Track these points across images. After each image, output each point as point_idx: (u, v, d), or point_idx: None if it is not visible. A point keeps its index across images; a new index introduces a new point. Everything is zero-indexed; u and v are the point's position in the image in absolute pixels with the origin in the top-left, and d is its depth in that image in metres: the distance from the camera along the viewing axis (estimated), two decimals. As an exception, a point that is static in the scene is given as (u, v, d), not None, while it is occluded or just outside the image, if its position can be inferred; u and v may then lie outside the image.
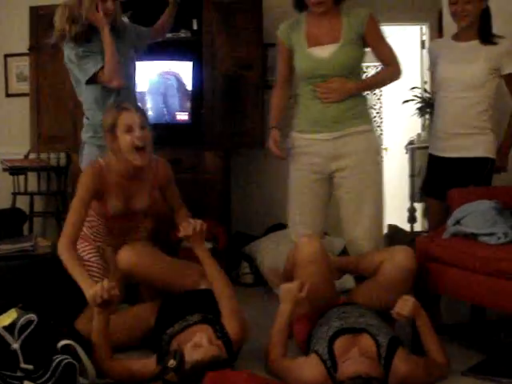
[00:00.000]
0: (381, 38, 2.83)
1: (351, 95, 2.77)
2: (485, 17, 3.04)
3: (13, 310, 2.26)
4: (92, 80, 2.97)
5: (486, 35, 3.03)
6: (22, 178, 4.74)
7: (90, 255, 2.82)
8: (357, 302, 2.52)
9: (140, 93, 4.09)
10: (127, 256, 2.59)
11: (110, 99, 3.00)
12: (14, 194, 4.66)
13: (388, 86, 3.06)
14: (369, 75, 3.62)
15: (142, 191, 2.78)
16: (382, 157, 2.99)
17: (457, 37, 3.14)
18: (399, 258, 2.49)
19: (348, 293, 2.77)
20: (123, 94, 3.03)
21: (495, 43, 3.00)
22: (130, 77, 3.15)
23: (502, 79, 3.08)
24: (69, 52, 3.02)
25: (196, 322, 2.35)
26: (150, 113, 4.26)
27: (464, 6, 3.00)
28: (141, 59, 4.23)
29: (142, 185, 2.76)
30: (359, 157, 2.77)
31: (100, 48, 2.97)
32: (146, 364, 2.26)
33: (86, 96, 3.08)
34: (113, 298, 2.26)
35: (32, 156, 4.79)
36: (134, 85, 3.26)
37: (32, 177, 4.83)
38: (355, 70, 2.81)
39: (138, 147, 2.59)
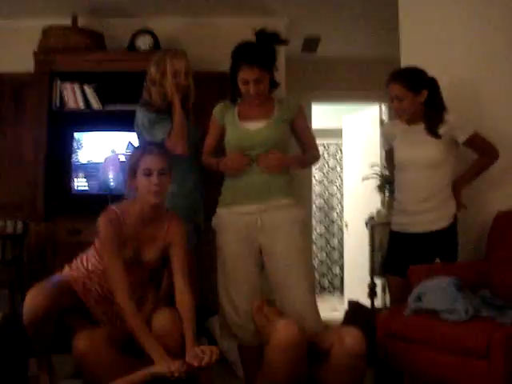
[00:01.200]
0: (306, 126, 3.06)
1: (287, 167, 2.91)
2: (429, 104, 3.09)
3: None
4: None
5: (430, 128, 3.08)
6: (-25, 245, 4.60)
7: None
8: None
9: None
10: None
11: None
12: (-33, 263, 4.52)
13: (314, 165, 3.20)
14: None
15: (152, 243, 2.69)
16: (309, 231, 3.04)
17: (407, 121, 3.19)
18: (348, 343, 2.39)
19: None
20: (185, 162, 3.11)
21: (440, 136, 3.05)
22: (191, 146, 3.19)
23: (459, 147, 3.15)
24: (142, 116, 3.16)
25: None
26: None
27: (399, 104, 3.09)
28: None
29: (153, 236, 2.68)
30: (286, 230, 2.80)
31: (170, 116, 3.12)
32: None
33: None
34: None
35: (-13, 223, 4.68)
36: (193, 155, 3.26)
37: (-14, 245, 4.70)
38: (281, 146, 2.90)
39: (152, 192, 2.58)
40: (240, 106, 2.94)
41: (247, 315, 2.78)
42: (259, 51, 2.80)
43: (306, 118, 3.02)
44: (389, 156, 3.42)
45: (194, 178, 3.23)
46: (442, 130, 3.06)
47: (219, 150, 3.02)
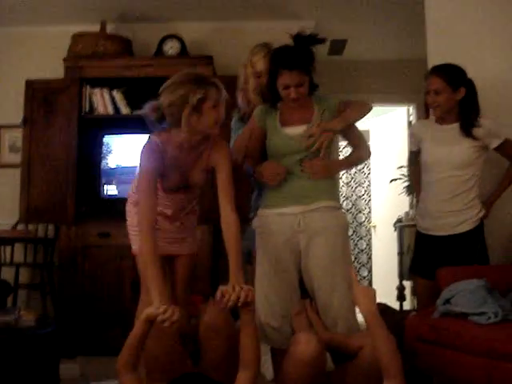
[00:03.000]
0: (351, 124, 2.91)
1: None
2: (465, 105, 3.09)
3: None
4: None
5: (465, 128, 3.08)
6: (8, 248, 4.69)
7: None
8: None
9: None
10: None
11: None
12: (0, 265, 4.60)
13: (366, 164, 3.10)
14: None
15: (198, 166, 2.72)
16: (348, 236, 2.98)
17: (440, 120, 3.20)
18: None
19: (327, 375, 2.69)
20: None
21: (475, 137, 3.05)
22: None
23: (488, 153, 3.14)
24: (234, 119, 3.18)
25: None
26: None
27: (435, 98, 3.09)
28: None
29: (198, 159, 2.71)
30: (329, 233, 2.76)
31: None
32: None
33: None
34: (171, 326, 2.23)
35: (20, 227, 4.77)
36: None
37: (19, 248, 4.79)
38: (326, 148, 2.85)
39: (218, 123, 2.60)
40: (280, 110, 2.89)
41: (283, 318, 2.78)
42: (298, 55, 2.74)
43: (349, 109, 2.86)
44: (414, 157, 3.41)
45: None
46: (476, 133, 3.06)
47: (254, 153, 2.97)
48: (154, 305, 2.26)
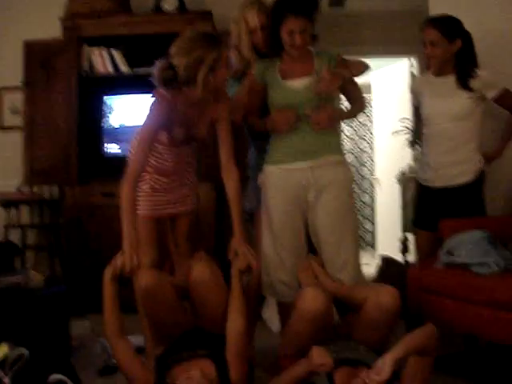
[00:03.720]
0: (349, 77, 2.89)
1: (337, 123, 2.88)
2: (462, 57, 3.09)
3: (4, 344, 2.24)
4: None
5: (461, 79, 3.09)
6: (14, 210, 4.73)
7: (143, 182, 2.81)
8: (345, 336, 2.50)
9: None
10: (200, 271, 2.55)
11: None
12: (6, 227, 4.65)
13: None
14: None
15: (202, 118, 2.79)
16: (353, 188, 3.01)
17: (437, 72, 3.20)
18: (383, 300, 2.40)
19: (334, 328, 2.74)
20: None
21: (471, 89, 3.06)
22: None
23: (486, 104, 3.15)
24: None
25: (201, 356, 2.33)
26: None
27: (431, 49, 3.08)
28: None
29: (202, 113, 2.78)
30: (336, 187, 2.79)
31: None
32: (146, 374, 2.28)
33: None
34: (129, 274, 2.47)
35: (25, 189, 4.79)
36: None
37: (24, 210, 4.83)
38: (328, 99, 2.84)
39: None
40: (281, 63, 2.86)
41: (293, 272, 2.81)
42: (304, 0, 2.72)
43: (348, 67, 2.88)
44: (418, 113, 3.41)
45: None
46: (473, 84, 3.06)
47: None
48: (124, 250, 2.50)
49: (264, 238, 2.87)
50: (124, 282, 2.56)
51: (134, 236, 2.54)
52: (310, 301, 2.43)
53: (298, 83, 2.79)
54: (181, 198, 2.90)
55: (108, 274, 2.47)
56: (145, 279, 2.44)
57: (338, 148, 2.87)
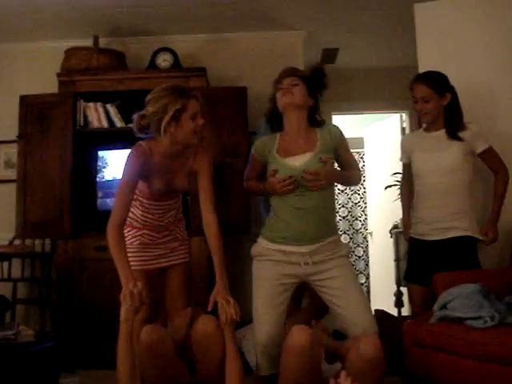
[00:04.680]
0: (348, 150, 2.97)
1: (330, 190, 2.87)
2: (450, 110, 3.16)
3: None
4: None
5: (451, 132, 3.15)
6: (5, 264, 4.69)
7: (133, 239, 2.87)
8: None
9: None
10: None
11: None
12: (-3, 281, 4.61)
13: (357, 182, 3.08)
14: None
15: (182, 171, 2.85)
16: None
17: (428, 128, 3.28)
18: (363, 349, 2.38)
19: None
20: None
21: (461, 139, 3.12)
22: None
23: (477, 159, 3.21)
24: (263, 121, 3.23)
25: None
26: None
27: (424, 105, 3.16)
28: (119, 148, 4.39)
29: (182, 166, 2.84)
30: (336, 260, 2.77)
31: None
32: None
33: None
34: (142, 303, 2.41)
35: (17, 242, 4.77)
36: None
37: (16, 263, 4.79)
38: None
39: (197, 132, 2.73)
40: (282, 140, 2.86)
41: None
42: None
43: (347, 143, 2.96)
44: (406, 170, 3.46)
45: None
46: (463, 134, 3.12)
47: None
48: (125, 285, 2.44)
49: (254, 308, 2.84)
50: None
51: (130, 271, 2.51)
52: (296, 335, 2.43)
53: (299, 160, 2.78)
54: (172, 252, 2.93)
55: (123, 313, 2.42)
56: (148, 335, 2.45)
57: (334, 229, 2.88)
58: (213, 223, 2.78)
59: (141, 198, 2.82)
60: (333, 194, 2.96)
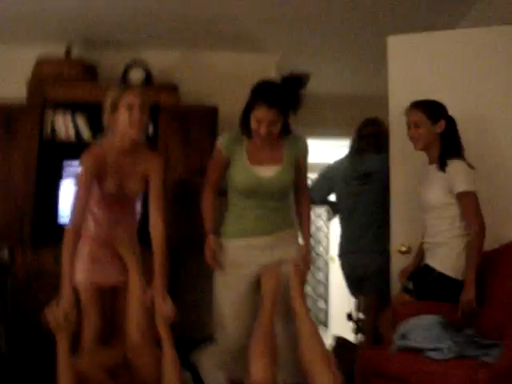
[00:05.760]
0: (305, 167, 3.01)
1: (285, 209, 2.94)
2: (445, 139, 3.09)
3: None
4: None
5: (442, 162, 3.05)
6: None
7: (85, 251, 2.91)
8: None
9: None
10: None
11: None
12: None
13: None
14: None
15: (134, 175, 2.90)
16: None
17: (429, 160, 3.19)
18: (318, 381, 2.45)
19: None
20: None
21: (445, 171, 3.01)
22: None
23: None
24: None
25: None
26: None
27: (415, 130, 3.12)
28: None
29: (134, 169, 2.90)
30: (291, 254, 2.86)
31: None
32: None
33: None
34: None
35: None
36: None
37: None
38: (289, 190, 2.95)
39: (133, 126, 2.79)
40: (249, 144, 2.86)
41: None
42: (282, 94, 2.71)
43: (307, 160, 3.02)
44: None
45: None
46: (448, 168, 3.01)
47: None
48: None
49: (217, 312, 2.87)
50: None
51: (71, 291, 2.64)
52: (255, 375, 2.45)
53: (265, 171, 2.81)
54: (124, 269, 2.92)
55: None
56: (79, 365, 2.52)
57: (290, 222, 2.98)
58: (159, 229, 2.87)
59: (92, 208, 2.87)
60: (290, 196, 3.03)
